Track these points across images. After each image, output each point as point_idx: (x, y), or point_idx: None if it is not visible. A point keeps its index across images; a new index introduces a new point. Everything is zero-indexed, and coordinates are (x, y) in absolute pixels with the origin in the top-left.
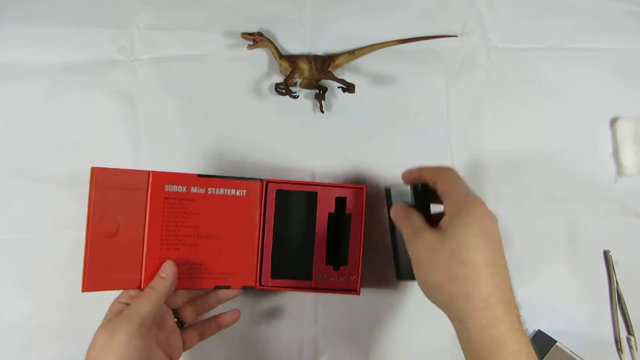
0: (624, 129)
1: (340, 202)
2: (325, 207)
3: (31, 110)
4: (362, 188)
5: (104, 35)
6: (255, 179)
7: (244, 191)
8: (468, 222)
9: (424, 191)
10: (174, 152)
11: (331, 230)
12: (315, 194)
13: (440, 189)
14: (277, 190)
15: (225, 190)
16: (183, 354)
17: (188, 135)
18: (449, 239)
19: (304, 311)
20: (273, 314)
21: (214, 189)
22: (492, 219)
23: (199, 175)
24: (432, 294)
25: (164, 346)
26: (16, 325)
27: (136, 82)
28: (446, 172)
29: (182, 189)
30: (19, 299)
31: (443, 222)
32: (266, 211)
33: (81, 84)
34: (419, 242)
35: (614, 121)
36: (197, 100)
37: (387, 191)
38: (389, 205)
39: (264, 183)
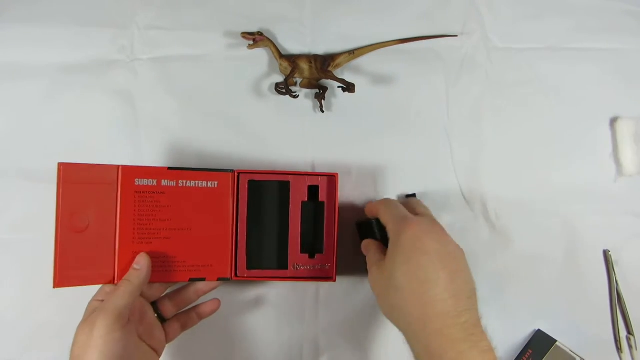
0: (624, 129)
1: (313, 190)
2: (298, 196)
3: (31, 110)
4: (334, 175)
5: (104, 35)
6: (226, 170)
7: (216, 182)
8: (397, 250)
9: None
10: (174, 152)
11: (305, 219)
12: (287, 183)
13: (383, 221)
14: (249, 180)
15: (197, 182)
16: (178, 351)
17: (188, 135)
18: (385, 271)
19: (304, 311)
20: (273, 313)
21: (184, 182)
22: (428, 236)
23: (169, 168)
24: (390, 319)
25: (147, 339)
26: (16, 325)
27: (136, 82)
28: (382, 204)
29: (153, 182)
30: (19, 299)
31: (386, 253)
32: (239, 202)
33: (81, 84)
34: (370, 277)
35: (613, 121)
36: (197, 100)
37: (358, 226)
38: (361, 240)
39: (236, 174)
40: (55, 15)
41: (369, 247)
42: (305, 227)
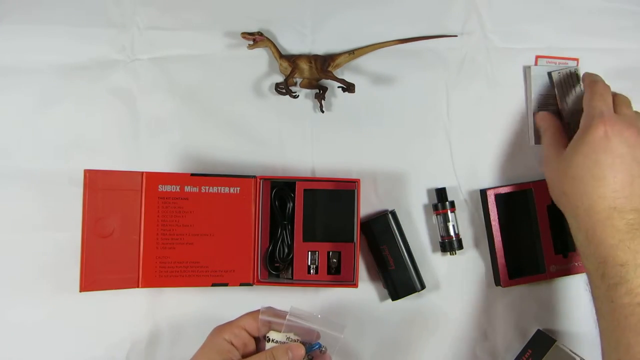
0: None
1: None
2: None
3: (31, 111)
4: (355, 182)
5: (104, 35)
6: (248, 176)
7: (238, 188)
8: (581, 141)
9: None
10: (174, 152)
11: None
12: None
13: (583, 102)
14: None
15: (219, 188)
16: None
17: (188, 135)
18: (564, 158)
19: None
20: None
21: (207, 188)
22: (617, 137)
23: (192, 175)
24: (557, 204)
25: None
26: (15, 326)
27: (136, 82)
28: (592, 86)
29: (176, 188)
30: (18, 299)
31: (571, 141)
32: (262, 207)
33: (81, 84)
34: (545, 158)
35: None
36: (197, 100)
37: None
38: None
39: (257, 180)
40: (55, 15)
41: (549, 123)
42: None
